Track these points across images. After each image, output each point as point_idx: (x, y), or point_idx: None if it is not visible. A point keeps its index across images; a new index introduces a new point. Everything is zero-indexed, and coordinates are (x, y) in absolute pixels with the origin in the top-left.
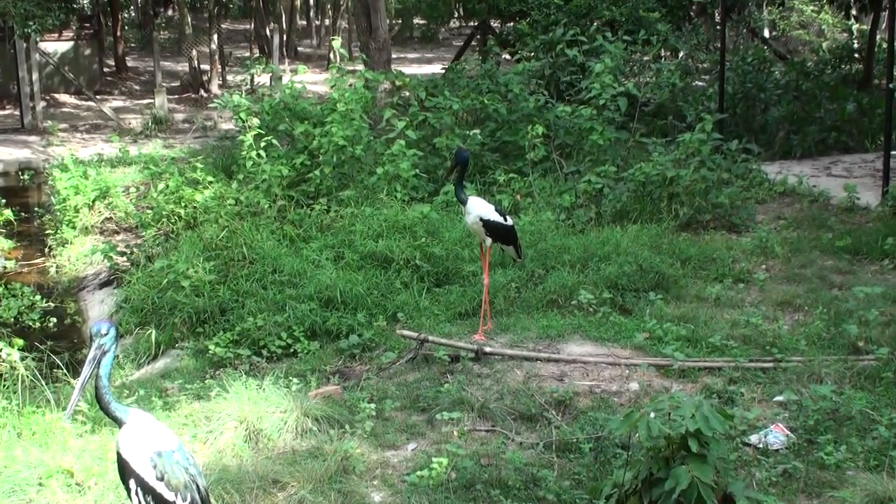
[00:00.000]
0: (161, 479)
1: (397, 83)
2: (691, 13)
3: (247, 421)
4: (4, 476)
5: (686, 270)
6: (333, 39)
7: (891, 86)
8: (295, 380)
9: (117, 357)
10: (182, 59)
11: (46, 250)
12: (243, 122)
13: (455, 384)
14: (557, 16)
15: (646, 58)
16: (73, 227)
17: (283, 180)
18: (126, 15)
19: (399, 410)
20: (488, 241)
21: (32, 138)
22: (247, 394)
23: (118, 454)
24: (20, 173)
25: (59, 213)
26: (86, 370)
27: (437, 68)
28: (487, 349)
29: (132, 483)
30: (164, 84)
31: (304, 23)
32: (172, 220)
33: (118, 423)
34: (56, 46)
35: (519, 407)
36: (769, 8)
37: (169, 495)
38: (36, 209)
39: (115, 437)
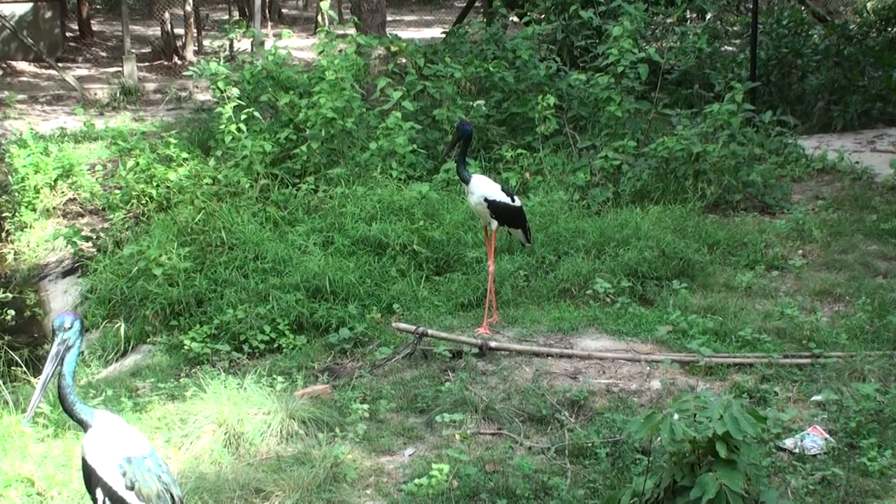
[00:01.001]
0: (131, 488)
1: (392, 49)
2: None
3: (226, 424)
4: None
5: (714, 256)
6: (322, 0)
7: None
8: (279, 378)
9: (82, 353)
10: (153, 22)
11: (3, 235)
12: (221, 92)
13: (457, 383)
14: None
15: (669, 20)
16: (33, 210)
17: (266, 157)
18: None
19: (395, 412)
20: (494, 223)
21: None
22: (226, 394)
23: (83, 461)
24: None
25: (17, 194)
26: (48, 368)
27: (436, 32)
28: (493, 344)
29: (99, 493)
30: (134, 50)
31: None
32: (143, 202)
33: (83, 426)
34: (13, 9)
35: (528, 408)
36: None
37: None
38: None
39: (81, 441)
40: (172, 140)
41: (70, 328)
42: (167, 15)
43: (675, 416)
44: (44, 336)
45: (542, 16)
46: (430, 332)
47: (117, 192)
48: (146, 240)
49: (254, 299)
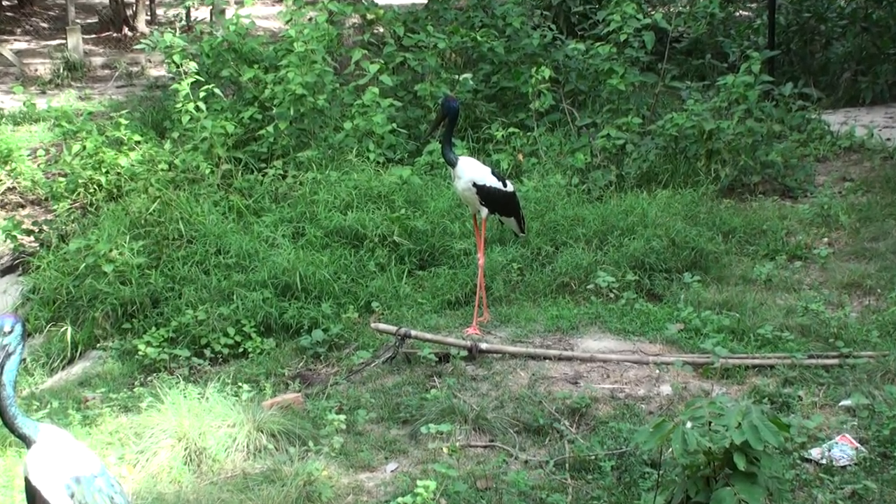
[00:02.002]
0: None
1: (369, 16)
2: None
3: (186, 438)
4: None
5: (729, 246)
6: None
7: None
8: (246, 386)
9: (24, 360)
10: None
11: None
12: (177, 66)
13: (444, 389)
14: None
15: None
16: None
17: (228, 139)
18: None
19: (375, 423)
20: (484, 211)
21: None
22: (186, 404)
23: (27, 480)
24: None
25: None
26: None
27: None
28: (483, 346)
29: None
30: (79, 21)
31: None
32: (91, 190)
33: (26, 442)
34: None
35: (523, 417)
36: None
37: None
38: None
39: (23, 459)
40: (123, 121)
41: (10, 332)
42: None
43: (688, 425)
44: None
45: None
46: (413, 333)
47: (62, 179)
48: (95, 233)
49: (216, 298)
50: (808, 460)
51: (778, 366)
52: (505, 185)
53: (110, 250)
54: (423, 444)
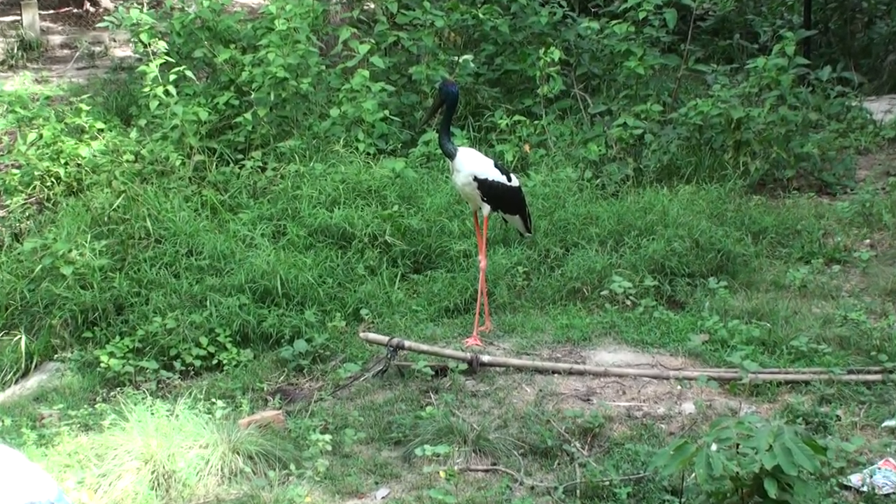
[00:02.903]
0: None
1: None
2: None
3: (153, 460)
4: None
5: (760, 247)
6: None
7: None
8: (220, 402)
9: None
10: None
11: None
12: (145, 46)
13: (441, 407)
14: None
15: None
16: None
17: (201, 127)
18: None
19: (364, 443)
20: (486, 208)
21: None
22: (153, 422)
23: None
24: None
25: None
26: None
27: None
28: (485, 358)
29: None
30: None
31: None
32: (48, 184)
33: None
34: None
35: (529, 437)
36: None
37: None
38: None
39: None
40: (84, 106)
41: None
42: None
43: (713, 447)
44: None
45: None
46: (406, 343)
47: (15, 171)
48: (52, 231)
49: (187, 305)
50: (848, 487)
51: (814, 382)
52: (509, 180)
53: (69, 251)
54: (417, 468)
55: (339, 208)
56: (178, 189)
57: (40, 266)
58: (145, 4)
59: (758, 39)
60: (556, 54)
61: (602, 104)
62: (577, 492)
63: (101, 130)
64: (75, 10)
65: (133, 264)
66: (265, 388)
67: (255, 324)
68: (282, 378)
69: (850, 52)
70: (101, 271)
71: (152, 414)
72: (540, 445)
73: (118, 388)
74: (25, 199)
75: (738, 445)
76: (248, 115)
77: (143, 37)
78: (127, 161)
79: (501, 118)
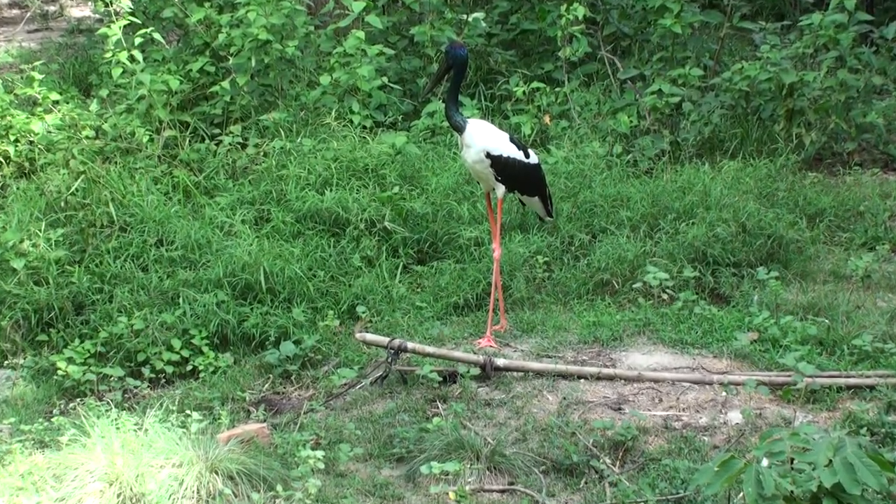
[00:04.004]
0: None
1: None
2: None
3: (120, 481)
4: None
5: (816, 232)
6: None
7: None
8: (195, 415)
9: None
10: None
11: None
12: (106, 5)
13: (450, 418)
14: None
15: None
16: None
17: (172, 98)
18: None
19: (362, 461)
20: (500, 189)
21: None
22: (119, 438)
23: None
24: None
25: None
26: None
27: None
28: (500, 362)
29: None
30: None
31: None
32: None
33: None
34: None
35: (552, 452)
36: None
37: None
38: None
39: None
40: (37, 75)
41: None
42: None
43: (764, 463)
44: None
45: None
46: (409, 345)
47: None
48: (2, 219)
49: (157, 302)
50: None
51: (879, 386)
52: (527, 156)
53: (21, 241)
54: (423, 489)
55: (331, 190)
56: (145, 169)
57: None
58: None
59: None
60: (581, 11)
61: (633, 68)
62: None
63: (57, 102)
64: None
65: (94, 256)
66: (247, 398)
67: (235, 324)
68: (266, 386)
69: None
70: (57, 264)
71: (118, 428)
72: (564, 462)
73: (78, 399)
74: None
75: (792, 460)
76: (226, 84)
77: None
78: (87, 138)
79: (517, 85)
